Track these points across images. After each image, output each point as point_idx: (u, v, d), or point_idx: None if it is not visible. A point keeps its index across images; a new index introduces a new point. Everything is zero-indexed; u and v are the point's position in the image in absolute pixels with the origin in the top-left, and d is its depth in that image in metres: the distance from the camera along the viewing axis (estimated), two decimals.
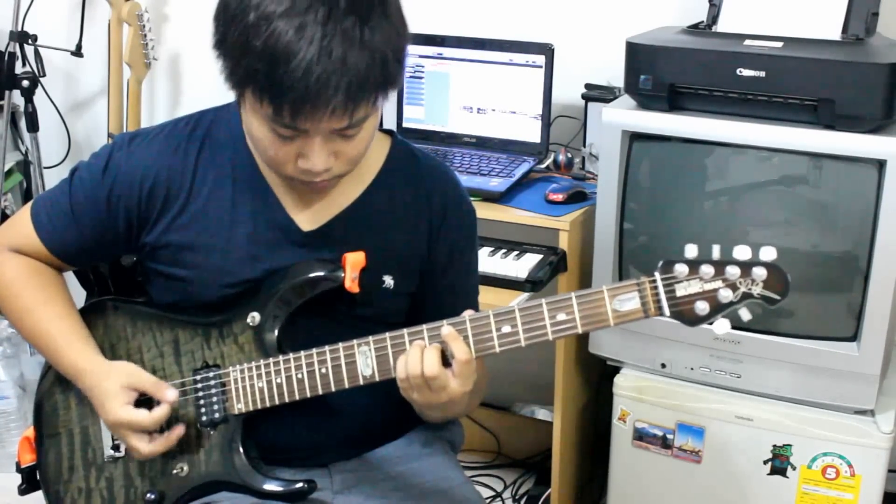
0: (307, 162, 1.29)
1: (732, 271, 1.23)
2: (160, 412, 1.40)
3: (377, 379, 1.36)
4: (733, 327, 1.25)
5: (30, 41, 2.93)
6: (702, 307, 1.24)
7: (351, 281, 1.39)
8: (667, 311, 1.25)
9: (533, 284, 2.11)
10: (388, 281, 1.47)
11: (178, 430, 1.43)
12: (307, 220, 1.45)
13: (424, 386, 1.30)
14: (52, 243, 1.50)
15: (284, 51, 1.18)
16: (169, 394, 1.41)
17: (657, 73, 2.03)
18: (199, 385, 1.45)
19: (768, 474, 2.10)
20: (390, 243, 1.47)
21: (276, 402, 1.41)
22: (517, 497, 2.70)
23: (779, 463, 2.08)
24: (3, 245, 1.53)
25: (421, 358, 1.29)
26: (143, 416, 1.40)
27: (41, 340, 1.50)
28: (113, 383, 1.42)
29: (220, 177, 1.45)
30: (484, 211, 2.17)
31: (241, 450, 1.44)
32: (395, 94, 2.55)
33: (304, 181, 1.34)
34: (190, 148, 1.45)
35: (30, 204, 1.53)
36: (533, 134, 2.46)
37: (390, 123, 2.56)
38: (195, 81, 3.12)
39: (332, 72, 1.19)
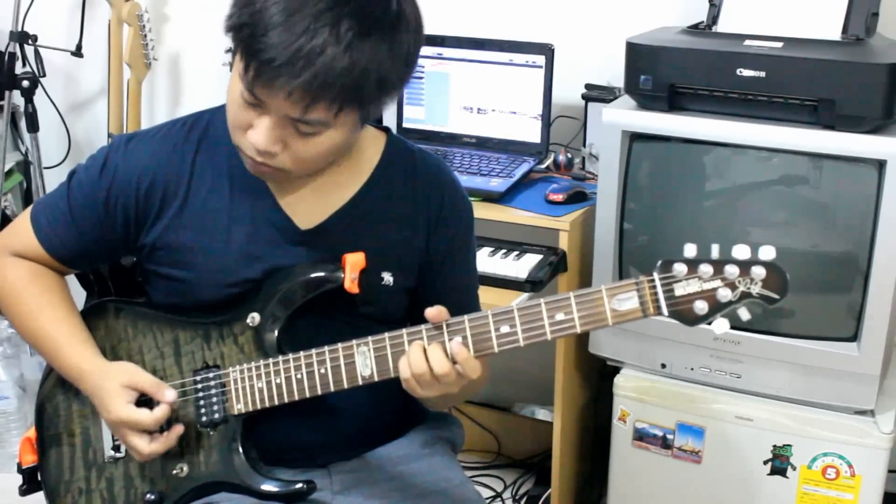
0: (252, 133, 1.30)
1: (731, 270, 1.23)
2: (160, 412, 1.40)
3: (376, 379, 1.35)
4: (733, 327, 1.25)
5: (30, 41, 2.93)
6: (700, 307, 1.24)
7: (351, 281, 1.39)
8: (665, 310, 1.25)
9: (533, 285, 2.11)
10: (387, 278, 1.47)
11: (178, 430, 1.43)
12: (304, 218, 1.45)
13: (434, 382, 1.30)
14: (52, 247, 1.50)
15: (273, 19, 1.20)
16: (168, 394, 1.41)
17: (657, 74, 2.03)
18: (199, 385, 1.45)
19: (768, 474, 2.10)
20: (388, 240, 1.47)
21: (276, 402, 1.41)
22: (517, 497, 2.70)
23: (779, 463, 2.08)
24: (5, 250, 1.53)
25: (425, 356, 1.30)
26: (145, 415, 1.40)
27: (43, 343, 1.50)
28: (113, 382, 1.42)
29: (218, 176, 1.45)
30: (484, 211, 2.17)
31: (241, 450, 1.44)
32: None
33: (248, 157, 1.34)
34: (187, 148, 1.46)
35: (29, 208, 1.53)
36: (533, 134, 2.46)
37: (390, 124, 2.55)
38: (195, 81, 3.12)
39: (304, 54, 1.20)
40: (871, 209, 1.88)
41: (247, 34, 1.22)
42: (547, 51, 2.40)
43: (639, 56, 2.06)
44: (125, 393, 1.41)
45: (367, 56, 1.22)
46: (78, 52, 3.01)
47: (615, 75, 2.28)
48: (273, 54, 1.20)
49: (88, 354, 1.47)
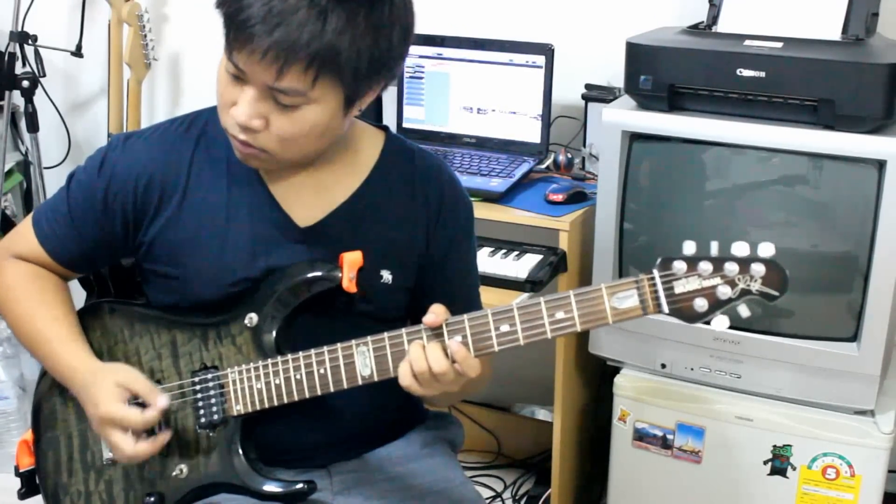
0: (234, 109, 1.30)
1: (731, 268, 1.23)
2: (151, 413, 1.38)
3: (375, 379, 1.35)
4: (733, 327, 1.25)
5: (30, 41, 2.93)
6: (700, 304, 1.24)
7: (349, 281, 1.39)
8: (665, 308, 1.25)
9: (533, 285, 2.11)
10: (386, 275, 1.47)
11: (164, 437, 1.40)
12: (303, 216, 1.45)
13: (433, 380, 1.30)
14: (54, 249, 1.50)
15: None
16: (160, 399, 1.39)
17: (657, 74, 2.03)
18: (198, 387, 1.45)
19: (768, 474, 2.10)
20: (387, 238, 1.47)
21: (275, 403, 1.41)
22: (517, 497, 2.70)
23: (779, 463, 2.08)
24: (7, 253, 1.53)
25: (424, 355, 1.29)
26: (134, 414, 1.37)
27: (37, 344, 1.49)
28: (107, 380, 1.40)
29: (216, 174, 1.45)
30: (484, 211, 2.17)
31: (241, 451, 1.43)
32: (396, 92, 2.55)
33: (233, 138, 1.34)
34: (185, 146, 1.46)
35: (32, 213, 1.53)
36: (533, 134, 2.46)
37: (390, 124, 2.55)
38: (195, 81, 3.12)
39: (277, 13, 1.21)
40: (871, 209, 1.88)
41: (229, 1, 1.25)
42: (547, 51, 2.39)
43: (639, 56, 2.06)
44: (117, 391, 1.39)
45: (342, 23, 1.22)
46: (78, 52, 3.01)
47: (615, 75, 2.27)
48: (249, 14, 1.22)
49: (81, 353, 1.46)
